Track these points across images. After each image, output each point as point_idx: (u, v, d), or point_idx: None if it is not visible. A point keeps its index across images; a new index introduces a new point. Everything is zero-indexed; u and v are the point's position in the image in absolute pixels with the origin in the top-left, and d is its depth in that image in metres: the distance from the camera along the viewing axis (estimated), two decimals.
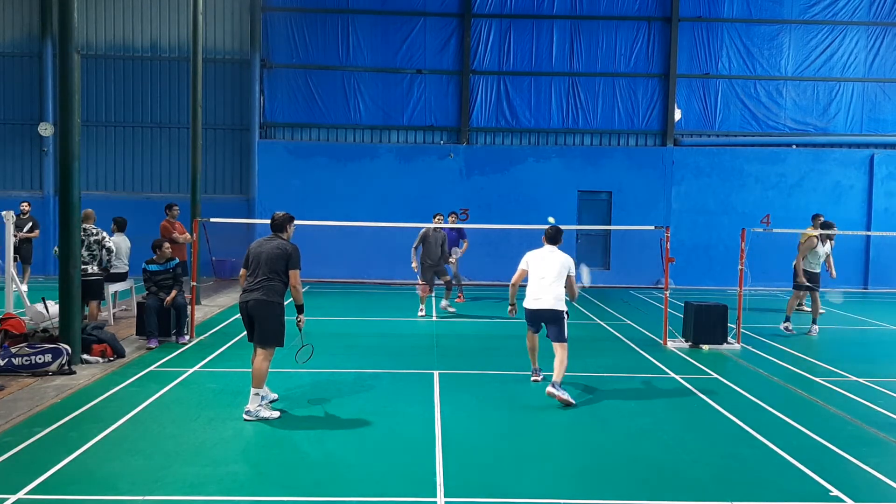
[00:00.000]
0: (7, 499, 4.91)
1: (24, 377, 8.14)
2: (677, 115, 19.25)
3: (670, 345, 10.76)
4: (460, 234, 14.31)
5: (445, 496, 5.11)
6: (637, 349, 10.59)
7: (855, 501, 5.14)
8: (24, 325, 9.48)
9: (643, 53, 19.23)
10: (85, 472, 5.43)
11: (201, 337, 10.83)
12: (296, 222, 7.33)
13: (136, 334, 10.58)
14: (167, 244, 10.66)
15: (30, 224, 14.66)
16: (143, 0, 19.27)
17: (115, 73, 19.33)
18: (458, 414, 7.11)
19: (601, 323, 12.86)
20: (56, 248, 10.31)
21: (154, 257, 10.48)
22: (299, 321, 7.05)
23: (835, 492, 5.30)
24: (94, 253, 10.49)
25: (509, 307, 8.47)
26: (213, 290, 16.09)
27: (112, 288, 11.79)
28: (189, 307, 10.75)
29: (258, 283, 6.83)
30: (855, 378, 8.91)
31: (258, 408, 6.82)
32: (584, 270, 9.87)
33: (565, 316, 7.97)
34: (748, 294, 13.60)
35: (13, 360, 8.28)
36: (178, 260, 10.79)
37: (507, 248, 17.29)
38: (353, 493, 5.16)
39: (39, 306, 10.64)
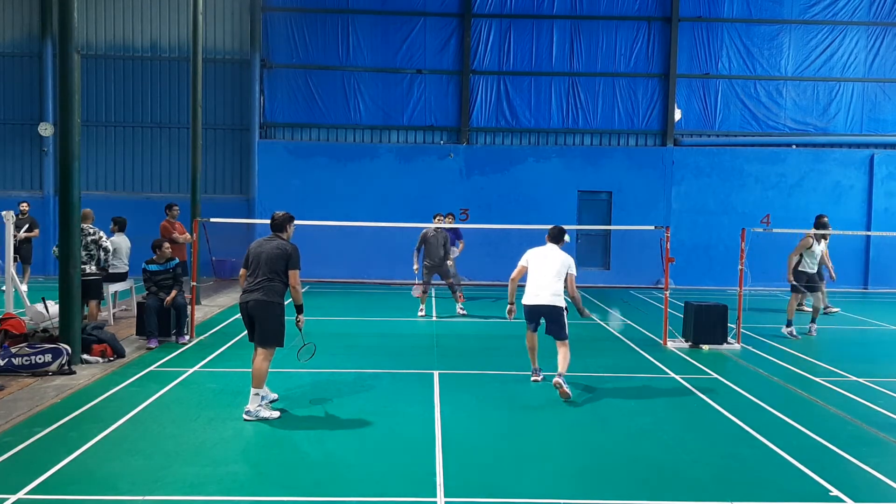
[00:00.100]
0: (7, 499, 4.91)
1: (24, 377, 8.14)
2: (677, 115, 19.25)
3: (670, 345, 10.76)
4: (456, 234, 14.31)
5: (445, 496, 5.11)
6: (637, 349, 10.59)
7: (855, 501, 5.14)
8: (24, 325, 9.48)
9: (643, 53, 19.23)
10: (85, 472, 5.43)
11: (201, 337, 10.83)
12: (296, 222, 7.33)
13: (136, 334, 10.58)
14: (167, 244, 10.66)
15: (28, 224, 14.64)
16: (143, 0, 19.27)
17: (115, 73, 19.33)
18: (458, 414, 7.11)
19: (601, 323, 12.87)
20: (55, 248, 10.32)
21: (154, 257, 10.48)
22: (299, 321, 7.05)
23: (835, 492, 5.30)
24: (92, 253, 10.49)
25: (508, 306, 8.41)
26: (213, 290, 16.09)
27: (112, 288, 11.79)
28: (189, 307, 10.75)
29: (258, 284, 6.83)
30: (855, 378, 8.91)
31: (258, 408, 6.82)
32: (615, 316, 9.81)
33: (564, 312, 7.99)
34: (748, 294, 13.60)
35: (13, 360, 8.28)
36: (178, 260, 10.79)
37: (507, 248, 17.24)
38: (353, 493, 5.16)
39: (39, 306, 10.64)
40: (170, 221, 12.85)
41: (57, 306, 9.26)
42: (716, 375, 8.95)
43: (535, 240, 8.59)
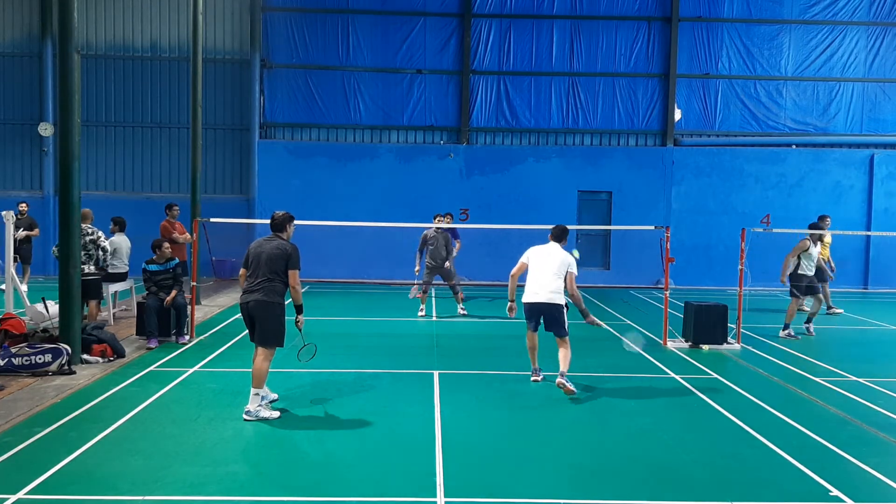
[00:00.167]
0: (7, 499, 4.91)
1: (24, 377, 8.14)
2: (677, 115, 19.25)
3: (670, 345, 10.76)
4: (454, 234, 14.32)
5: (445, 496, 5.11)
6: (637, 349, 10.59)
7: (855, 501, 5.14)
8: (24, 325, 9.48)
9: (643, 53, 19.23)
10: (85, 472, 5.43)
11: (201, 337, 10.82)
12: (296, 222, 7.33)
13: (136, 334, 10.58)
14: (167, 244, 10.66)
15: (26, 225, 14.62)
16: (143, 0, 19.27)
17: (115, 73, 19.33)
18: (458, 414, 7.11)
19: (601, 323, 12.84)
20: (55, 248, 10.32)
21: (154, 257, 10.48)
22: (298, 322, 7.05)
23: (835, 492, 5.30)
24: (91, 253, 10.49)
25: (509, 303, 8.42)
26: (213, 290, 16.09)
27: (112, 288, 11.79)
28: (189, 307, 10.75)
29: (259, 284, 6.83)
30: (855, 378, 8.91)
31: (258, 408, 6.82)
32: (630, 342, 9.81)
33: (564, 310, 7.99)
34: (748, 294, 13.60)
35: (13, 360, 8.28)
36: (177, 260, 10.79)
37: (507, 248, 17.24)
38: (353, 493, 5.16)
39: (39, 306, 10.64)
40: (170, 221, 12.85)
41: (57, 306, 9.26)
42: (716, 375, 8.95)
43: (535, 240, 8.59)
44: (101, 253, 10.68)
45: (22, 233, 14.17)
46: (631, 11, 19.13)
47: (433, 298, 14.86)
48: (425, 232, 13.31)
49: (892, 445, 6.44)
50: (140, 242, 12.54)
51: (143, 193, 19.35)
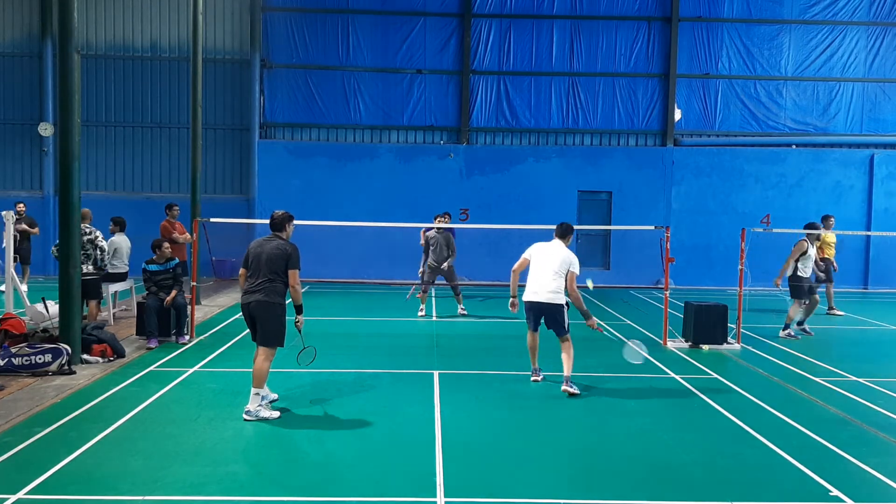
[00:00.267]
0: (7, 499, 4.91)
1: (24, 377, 8.14)
2: (677, 115, 19.25)
3: (670, 345, 10.76)
4: (451, 233, 14.31)
5: (445, 496, 5.11)
6: (637, 362, 10.55)
7: (855, 501, 5.14)
8: (24, 325, 9.48)
9: (643, 53, 19.23)
10: (85, 472, 5.43)
11: (201, 337, 10.82)
12: (296, 222, 7.33)
13: (136, 334, 10.58)
14: (167, 244, 10.66)
15: (24, 225, 14.60)
16: (143, 0, 19.27)
17: (115, 73, 19.33)
18: (458, 414, 7.11)
19: (601, 323, 12.84)
20: (54, 248, 10.32)
21: (154, 257, 10.48)
22: (298, 322, 7.05)
23: (835, 492, 5.30)
24: (88, 252, 10.49)
25: (511, 299, 8.38)
26: (213, 290, 16.09)
27: (112, 288, 11.79)
28: (189, 307, 10.75)
29: (259, 285, 6.83)
30: (855, 378, 8.91)
31: (258, 408, 6.82)
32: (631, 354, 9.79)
33: (564, 309, 7.98)
34: (748, 294, 13.59)
35: (13, 360, 8.28)
36: (177, 260, 10.79)
37: (507, 248, 17.27)
38: (353, 493, 5.16)
39: (39, 306, 10.64)
40: (170, 221, 12.86)
41: (57, 306, 9.26)
42: (716, 375, 8.95)
43: (535, 240, 8.55)
44: (98, 253, 10.68)
45: (21, 225, 14.14)
46: (631, 11, 19.13)
47: (433, 298, 14.86)
48: (427, 232, 13.33)
49: (892, 445, 6.44)
50: (140, 242, 12.55)
51: (143, 193, 19.36)
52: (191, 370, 8.75)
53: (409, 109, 19.26)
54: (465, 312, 13.41)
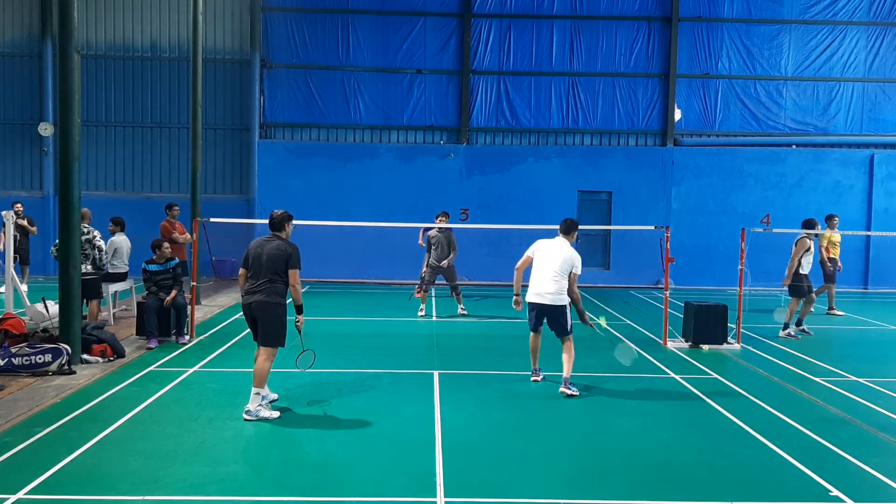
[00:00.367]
0: (7, 499, 4.91)
1: (24, 377, 8.14)
2: (677, 115, 19.25)
3: (670, 345, 10.76)
4: (451, 232, 14.31)
5: (445, 496, 5.11)
6: (637, 349, 10.59)
7: (855, 501, 5.14)
8: (24, 325, 9.48)
9: (643, 53, 19.23)
10: (85, 472, 5.43)
11: (201, 337, 10.82)
12: (296, 222, 7.33)
13: (136, 334, 10.58)
14: (167, 244, 10.65)
15: (23, 222, 14.58)
16: (143, 0, 19.27)
17: (115, 73, 19.33)
18: (459, 414, 7.11)
19: (601, 323, 12.84)
20: (53, 248, 10.32)
21: (154, 257, 10.48)
22: (298, 322, 7.05)
23: (835, 492, 5.30)
24: (87, 252, 10.48)
25: (514, 297, 8.31)
26: (213, 290, 16.09)
27: (112, 288, 11.79)
28: (189, 307, 10.75)
29: (260, 285, 6.83)
30: (855, 378, 8.91)
31: (258, 407, 6.82)
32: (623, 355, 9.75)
33: (567, 310, 7.96)
34: (748, 294, 13.60)
35: (13, 360, 8.28)
36: (177, 260, 10.79)
37: (508, 248, 17.33)
38: (353, 493, 5.16)
39: (39, 306, 10.64)
40: (170, 221, 12.86)
41: (57, 306, 9.26)
42: (716, 375, 8.95)
43: (535, 240, 8.53)
44: (97, 252, 10.68)
45: (21, 221, 14.11)
46: (631, 11, 19.13)
47: (433, 298, 14.86)
48: (429, 232, 13.35)
49: (892, 445, 6.44)
50: (140, 242, 12.55)
51: (143, 193, 19.36)
52: (191, 370, 8.75)
53: (409, 109, 19.26)
54: (465, 312, 13.41)
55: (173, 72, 19.36)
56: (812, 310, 12.31)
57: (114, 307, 12.06)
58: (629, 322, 13.00)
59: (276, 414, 6.87)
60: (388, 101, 19.23)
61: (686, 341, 10.80)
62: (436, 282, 13.53)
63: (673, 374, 8.99)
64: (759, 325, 12.62)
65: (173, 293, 10.24)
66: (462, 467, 5.67)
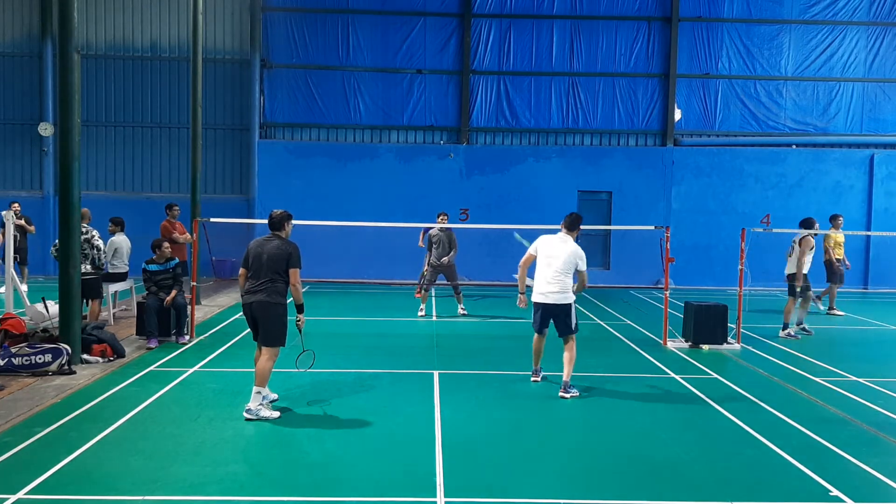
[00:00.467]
0: (7, 499, 4.91)
1: (24, 377, 8.14)
2: (677, 115, 19.25)
3: (670, 345, 10.76)
4: (452, 231, 14.31)
5: (445, 496, 5.11)
6: (637, 349, 10.59)
7: (855, 501, 5.14)
8: (24, 325, 9.48)
9: (643, 53, 19.24)
10: (85, 472, 5.43)
11: (201, 337, 10.82)
12: (296, 222, 7.33)
13: (136, 334, 10.58)
14: (167, 244, 10.65)
15: (21, 221, 14.56)
16: (143, 0, 19.27)
17: (115, 73, 19.33)
18: (458, 414, 7.11)
19: (601, 323, 12.86)
20: (53, 248, 10.31)
21: (154, 257, 10.48)
22: (299, 321, 7.05)
23: (835, 492, 5.30)
24: (86, 252, 10.48)
25: (519, 296, 8.24)
26: (213, 290, 16.09)
27: (112, 288, 11.79)
28: (189, 307, 10.75)
29: (261, 285, 6.84)
30: (855, 378, 8.91)
31: (259, 406, 6.82)
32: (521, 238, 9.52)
33: (572, 309, 7.92)
34: (748, 294, 13.60)
35: (13, 360, 8.28)
36: (177, 260, 10.79)
37: (508, 248, 17.27)
38: (353, 493, 5.16)
39: (39, 306, 10.65)
40: (170, 221, 12.86)
41: (57, 306, 9.26)
42: (716, 375, 8.95)
43: (535, 240, 8.53)
44: (96, 252, 10.67)
45: (20, 221, 14.11)
46: (631, 11, 19.14)
47: (433, 298, 14.86)
48: (430, 231, 13.36)
49: (892, 445, 6.44)
50: (140, 242, 12.55)
51: (143, 193, 19.36)
52: (191, 370, 8.75)
53: (409, 109, 19.26)
54: (465, 312, 13.42)
55: (173, 72, 19.36)
56: (810, 308, 12.32)
57: (114, 307, 12.06)
58: (629, 322, 13.00)
59: (277, 414, 6.87)
60: (388, 101, 19.23)
61: (686, 341, 10.80)
62: (437, 282, 13.54)
63: (673, 374, 8.99)
64: (759, 325, 12.62)
65: (173, 293, 10.24)
66: (462, 467, 5.67)
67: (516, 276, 8.37)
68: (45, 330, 9.39)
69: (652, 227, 12.20)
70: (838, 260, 13.93)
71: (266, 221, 7.16)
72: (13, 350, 8.35)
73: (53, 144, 18.88)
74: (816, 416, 7.30)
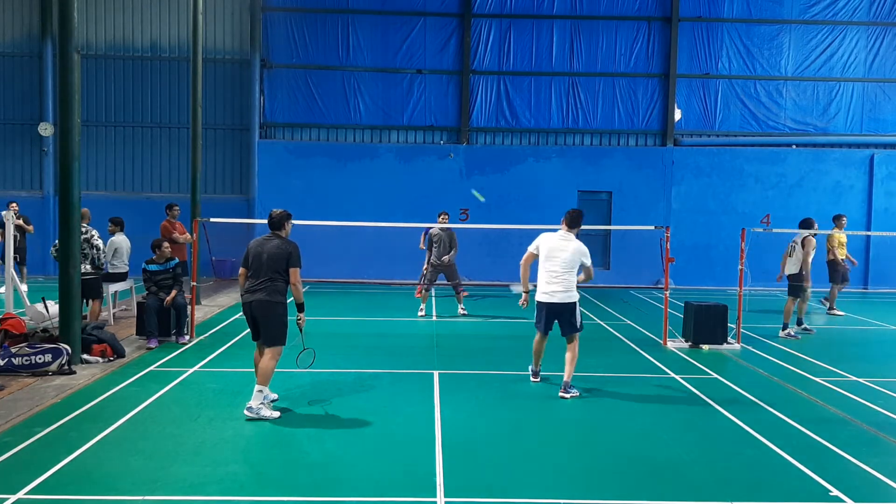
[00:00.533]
0: (7, 499, 4.91)
1: (24, 377, 8.14)
2: (677, 115, 19.25)
3: (670, 345, 10.76)
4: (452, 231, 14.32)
5: (445, 496, 5.11)
6: (637, 349, 10.59)
7: (855, 501, 5.14)
8: (24, 325, 9.47)
9: (643, 53, 19.24)
10: (85, 472, 5.43)
11: (201, 337, 10.82)
12: (296, 222, 7.33)
13: (136, 334, 10.58)
14: (167, 244, 10.65)
15: (20, 221, 14.56)
16: (143, 0, 19.27)
17: (115, 73, 19.33)
18: (458, 414, 7.11)
19: (601, 323, 12.86)
20: (53, 248, 10.31)
21: (154, 257, 10.48)
22: (299, 320, 7.06)
23: (835, 492, 5.30)
24: (86, 252, 10.48)
25: (522, 295, 8.16)
26: (213, 290, 16.09)
27: (112, 288, 11.79)
28: (189, 307, 10.75)
29: (261, 284, 6.84)
30: (855, 378, 8.91)
31: (260, 405, 6.81)
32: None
33: (577, 307, 7.88)
34: (748, 294, 13.60)
35: (13, 360, 8.28)
36: (177, 260, 10.79)
37: (508, 248, 17.36)
38: (353, 493, 5.16)
39: (39, 306, 10.64)
40: (170, 221, 12.86)
41: (57, 306, 9.26)
42: (716, 375, 8.95)
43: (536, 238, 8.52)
44: (95, 252, 10.67)
45: (19, 221, 14.10)
46: (631, 11, 19.14)
47: (433, 298, 14.86)
48: (431, 230, 13.36)
49: (892, 445, 6.44)
50: (140, 242, 12.54)
51: (143, 193, 19.36)
52: (191, 370, 8.75)
53: (409, 109, 19.26)
54: (466, 312, 13.42)
55: (173, 72, 19.36)
56: (807, 308, 12.34)
57: (114, 307, 12.06)
58: (629, 322, 13.00)
59: (277, 414, 6.87)
60: (388, 101, 19.23)
61: (686, 341, 10.80)
62: (437, 281, 13.54)
63: (673, 374, 8.99)
64: (759, 325, 12.62)
65: (173, 293, 10.24)
66: (462, 467, 5.67)
67: (515, 288, 8.28)
68: (45, 330, 9.39)
69: (652, 227, 12.20)
70: (843, 259, 13.93)
71: (266, 221, 7.16)
72: (13, 350, 8.35)
73: (53, 144, 18.88)
74: (816, 416, 7.30)
